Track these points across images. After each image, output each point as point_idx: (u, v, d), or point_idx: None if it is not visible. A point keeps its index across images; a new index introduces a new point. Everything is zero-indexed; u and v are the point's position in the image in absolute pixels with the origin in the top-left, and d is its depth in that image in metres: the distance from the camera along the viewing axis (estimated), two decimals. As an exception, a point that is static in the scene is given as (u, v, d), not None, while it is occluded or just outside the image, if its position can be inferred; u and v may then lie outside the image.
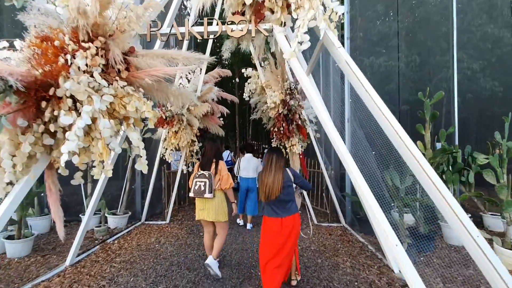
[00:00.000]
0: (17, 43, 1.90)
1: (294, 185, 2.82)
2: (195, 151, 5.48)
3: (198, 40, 9.16)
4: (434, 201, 1.78)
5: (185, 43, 4.51)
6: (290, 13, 2.38)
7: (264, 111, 5.19)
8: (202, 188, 3.23)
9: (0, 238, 3.98)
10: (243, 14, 2.54)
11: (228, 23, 2.52)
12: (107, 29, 2.01)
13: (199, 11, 2.81)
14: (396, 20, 7.06)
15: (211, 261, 3.24)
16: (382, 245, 3.53)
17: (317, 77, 6.55)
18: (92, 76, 1.87)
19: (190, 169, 5.72)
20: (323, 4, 2.28)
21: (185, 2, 7.16)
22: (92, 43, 1.90)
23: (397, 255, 1.55)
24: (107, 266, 3.56)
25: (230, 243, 4.42)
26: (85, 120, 1.67)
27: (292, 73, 5.02)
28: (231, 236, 4.75)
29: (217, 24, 2.49)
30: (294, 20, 2.36)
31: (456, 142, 6.04)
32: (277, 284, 2.63)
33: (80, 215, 5.28)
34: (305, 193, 5.84)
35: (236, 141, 13.12)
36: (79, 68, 1.85)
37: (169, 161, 5.48)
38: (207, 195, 3.21)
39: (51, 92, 1.68)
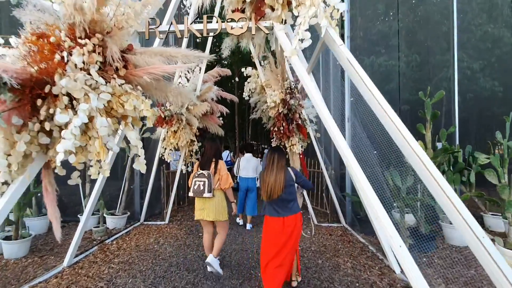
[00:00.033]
0: (12, 40, 1.86)
1: (296, 185, 2.80)
2: (194, 150, 5.45)
3: (198, 40, 9.13)
4: (438, 201, 1.75)
5: (184, 41, 4.47)
6: (291, 10, 2.35)
7: (264, 111, 5.16)
8: (202, 187, 3.22)
9: (-3, 238, 3.94)
10: (243, 11, 2.50)
11: (228, 20, 2.48)
12: (105, 26, 1.97)
13: (198, 9, 2.77)
14: (396, 19, 7.03)
15: (212, 260, 3.22)
16: (383, 246, 3.50)
17: (317, 77, 6.52)
18: (89, 73, 1.83)
19: (189, 169, 5.68)
20: (324, 1, 2.24)
21: (184, 2, 7.12)
22: (89, 40, 1.86)
23: (401, 257, 1.52)
24: (105, 267, 3.52)
25: (229, 243, 4.38)
26: (81, 118, 1.63)
27: (292, 72, 4.98)
28: (230, 236, 4.72)
29: (217, 22, 2.45)
30: (295, 18, 2.33)
31: (457, 142, 6.01)
32: (278, 284, 2.60)
33: (78, 216, 5.23)
34: (305, 193, 5.80)
35: (236, 141, 13.07)
36: (75, 65, 1.81)
37: (168, 161, 5.44)
38: (206, 194, 3.19)
39: (46, 89, 1.64)
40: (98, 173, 2.02)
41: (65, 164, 1.88)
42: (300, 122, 4.62)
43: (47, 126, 1.66)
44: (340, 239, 4.60)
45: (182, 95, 2.53)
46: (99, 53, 1.91)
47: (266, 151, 9.37)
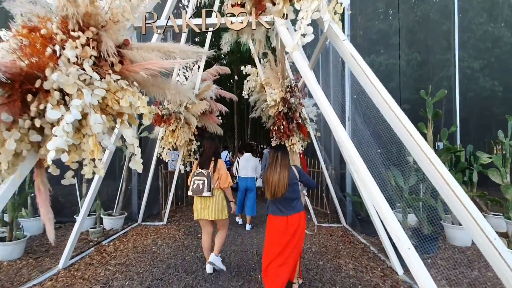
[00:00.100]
0: (2, 33, 1.78)
1: (299, 184, 2.78)
2: (193, 150, 5.37)
3: (196, 40, 9.04)
4: (447, 201, 1.68)
5: (183, 38, 4.39)
6: (292, 4, 2.28)
7: (263, 109, 5.09)
8: (201, 186, 3.19)
9: (-10, 240, 3.85)
10: (243, 5, 2.43)
11: (228, 15, 2.41)
12: (99, 20, 1.90)
13: (197, 3, 2.70)
14: (396, 18, 6.98)
15: (214, 258, 3.26)
16: (385, 247, 3.44)
17: (317, 76, 6.45)
18: (83, 68, 1.76)
19: (188, 169, 5.61)
20: (327, -5, 2.18)
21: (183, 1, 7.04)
22: (83, 33, 1.78)
23: (409, 259, 1.45)
24: (101, 269, 3.43)
25: (228, 244, 4.31)
26: (74, 114, 1.55)
27: (292, 70, 4.92)
28: (229, 237, 4.64)
29: (216, 17, 2.37)
30: (296, 12, 2.26)
31: (458, 141, 5.96)
32: (281, 284, 2.54)
33: (74, 216, 5.14)
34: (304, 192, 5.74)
35: (235, 140, 12.99)
36: (68, 60, 1.73)
37: (166, 161, 5.36)
38: (205, 193, 3.17)
39: (37, 84, 1.56)
40: (93, 173, 1.94)
41: (60, 163, 1.80)
42: (300, 121, 4.55)
43: (37, 122, 1.58)
44: (341, 240, 4.54)
45: (180, 93, 2.46)
46: (93, 48, 1.83)
47: (265, 151, 9.35)
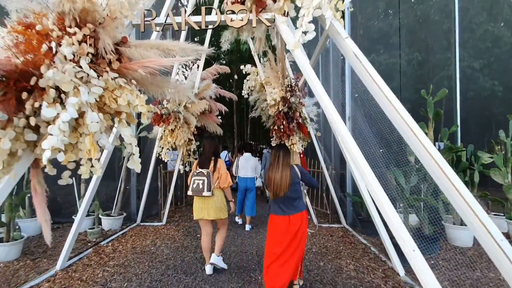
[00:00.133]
0: (-3, 29, 1.74)
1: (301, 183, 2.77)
2: (192, 150, 5.33)
3: (196, 40, 8.99)
4: (451, 201, 1.65)
5: (182, 36, 4.34)
6: (293, 1, 2.24)
7: (263, 109, 5.05)
8: (201, 186, 3.18)
9: (-13, 241, 3.80)
10: (243, 3, 2.39)
11: (228, 12, 2.37)
12: (97, 16, 1.86)
13: (196, 0, 2.66)
14: (396, 17, 6.94)
15: (215, 259, 3.30)
16: (387, 247, 3.40)
17: (317, 75, 6.41)
18: (80, 66, 1.71)
19: (187, 169, 5.56)
20: (328, -8, 2.14)
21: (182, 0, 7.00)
22: (80, 30, 1.74)
23: (414, 262, 1.41)
24: (99, 271, 3.39)
25: (228, 245, 4.27)
26: (70, 113, 1.51)
27: (293, 70, 4.88)
28: (229, 238, 4.60)
29: (216, 14, 2.34)
30: (297, 9, 2.22)
31: (458, 141, 5.93)
32: (282, 284, 2.51)
33: (73, 217, 5.09)
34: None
35: (234, 140, 12.94)
36: (65, 57, 1.69)
37: (166, 161, 5.32)
38: (205, 193, 3.16)
39: (32, 82, 1.52)
40: (91, 173, 1.90)
41: (57, 163, 1.76)
42: (300, 120, 4.51)
43: (32, 121, 1.53)
44: (341, 240, 4.50)
45: (179, 92, 2.42)
46: (90, 45, 1.79)
47: (265, 151, 9.30)
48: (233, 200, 3.52)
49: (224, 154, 9.54)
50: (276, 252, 2.57)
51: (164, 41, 2.15)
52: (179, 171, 5.58)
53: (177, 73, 5.24)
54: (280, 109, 4.27)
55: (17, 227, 4.14)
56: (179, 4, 6.57)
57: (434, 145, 4.80)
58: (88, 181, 3.86)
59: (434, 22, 7.72)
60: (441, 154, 4.25)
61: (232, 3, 2.39)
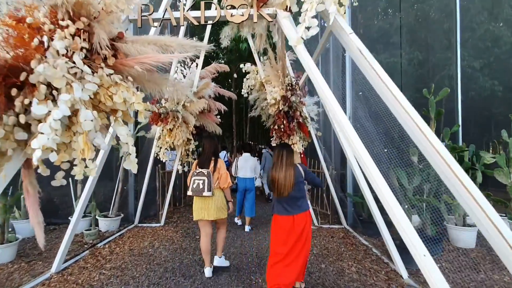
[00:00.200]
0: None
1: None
2: (191, 150, 5.25)
3: (195, 38, 8.88)
4: (460, 201, 1.58)
5: (181, 31, 4.26)
6: (296, -4, 2.17)
7: (263, 108, 4.98)
8: (201, 186, 3.14)
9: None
10: (244, -3, 2.31)
11: (228, 7, 2.29)
12: (91, 10, 1.78)
13: (195, -6, 2.58)
14: (396, 16, 6.89)
15: (218, 261, 3.38)
16: (390, 249, 3.34)
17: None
18: (73, 62, 1.63)
19: (185, 169, 5.48)
20: (332, -14, 2.06)
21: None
22: (74, 24, 1.66)
23: (425, 267, 1.34)
24: (96, 274, 3.31)
25: (228, 246, 4.19)
26: (62, 110, 1.43)
27: (293, 68, 4.81)
28: (229, 239, 4.53)
29: (216, 9, 2.26)
30: (300, 4, 2.15)
31: (460, 141, 5.88)
32: (287, 284, 2.46)
33: (69, 218, 5.00)
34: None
35: (233, 140, 12.85)
36: (58, 52, 1.61)
37: (164, 161, 5.23)
38: (206, 193, 3.12)
39: (22, 77, 1.44)
40: (85, 173, 1.82)
41: (51, 162, 1.68)
42: (301, 120, 4.45)
43: (21, 118, 1.45)
44: (342, 242, 4.44)
45: (178, 90, 2.34)
46: (84, 40, 1.71)
47: (264, 150, 9.23)
48: (232, 200, 3.50)
49: (222, 154, 9.45)
50: (282, 252, 2.53)
51: (162, 36, 2.07)
52: (177, 171, 5.50)
53: (176, 72, 5.15)
54: (280, 108, 4.21)
55: (10, 229, 4.05)
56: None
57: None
58: (85, 181, 3.78)
59: (434, 21, 7.68)
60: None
61: (233, -3, 2.32)
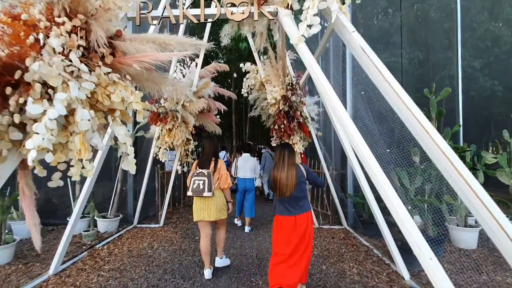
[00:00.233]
0: (-20, 20, 1.61)
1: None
2: (190, 150, 5.21)
3: (194, 38, 8.83)
4: (466, 202, 1.55)
5: (181, 30, 4.21)
6: (297, -6, 2.14)
7: (263, 108, 4.94)
8: (201, 186, 3.11)
9: (-23, 244, 3.66)
10: (244, -5, 2.28)
11: (228, 5, 2.26)
12: (89, 7, 1.74)
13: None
14: (397, 16, 6.86)
15: (219, 262, 3.42)
16: (391, 250, 3.30)
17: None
18: (70, 60, 1.60)
19: (185, 169, 5.44)
20: (334, -16, 2.03)
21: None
22: (70, 21, 1.62)
23: (431, 271, 1.31)
24: (94, 275, 3.26)
25: (227, 248, 4.15)
26: (58, 109, 1.39)
27: (293, 68, 4.77)
28: (228, 240, 4.49)
29: (216, 6, 2.22)
30: (301, 2, 2.11)
31: (461, 141, 5.86)
32: (291, 283, 2.44)
33: (67, 219, 4.96)
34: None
35: (233, 140, 12.81)
36: (54, 50, 1.57)
37: (163, 161, 5.19)
38: (206, 193, 3.09)
39: (17, 76, 1.40)
40: (81, 174, 1.78)
41: (47, 163, 1.64)
42: (301, 120, 4.41)
43: (16, 118, 1.41)
44: (343, 243, 4.40)
45: (177, 90, 2.30)
46: (81, 37, 1.68)
47: (263, 150, 9.19)
48: (232, 201, 3.48)
49: (222, 154, 9.41)
50: (285, 253, 2.51)
51: (161, 34, 2.04)
52: (177, 171, 5.46)
53: (175, 71, 5.11)
54: (280, 108, 4.17)
55: (7, 230, 4.00)
56: None
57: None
58: (83, 181, 3.75)
59: (434, 21, 7.65)
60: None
61: (233, -5, 2.28)
